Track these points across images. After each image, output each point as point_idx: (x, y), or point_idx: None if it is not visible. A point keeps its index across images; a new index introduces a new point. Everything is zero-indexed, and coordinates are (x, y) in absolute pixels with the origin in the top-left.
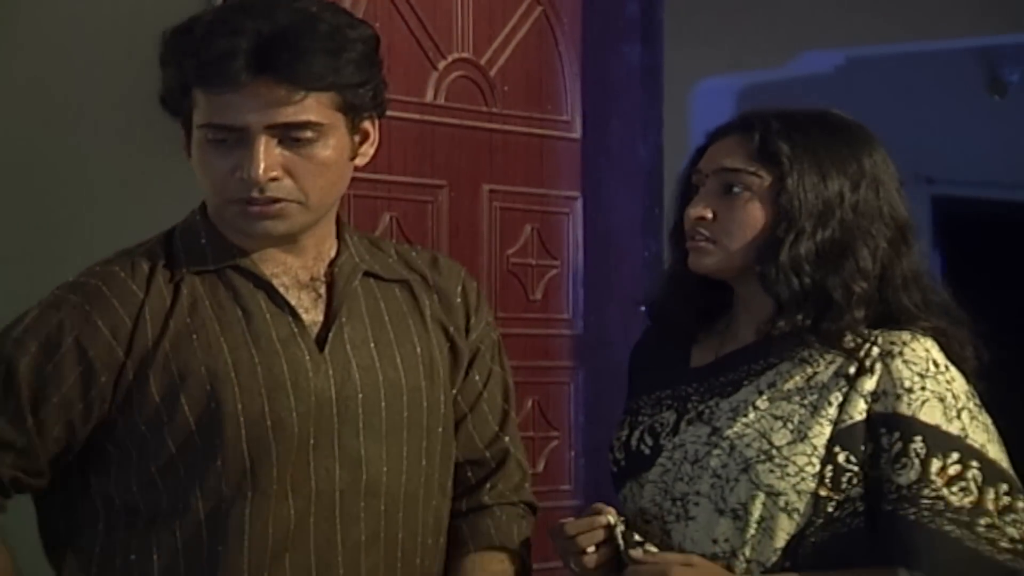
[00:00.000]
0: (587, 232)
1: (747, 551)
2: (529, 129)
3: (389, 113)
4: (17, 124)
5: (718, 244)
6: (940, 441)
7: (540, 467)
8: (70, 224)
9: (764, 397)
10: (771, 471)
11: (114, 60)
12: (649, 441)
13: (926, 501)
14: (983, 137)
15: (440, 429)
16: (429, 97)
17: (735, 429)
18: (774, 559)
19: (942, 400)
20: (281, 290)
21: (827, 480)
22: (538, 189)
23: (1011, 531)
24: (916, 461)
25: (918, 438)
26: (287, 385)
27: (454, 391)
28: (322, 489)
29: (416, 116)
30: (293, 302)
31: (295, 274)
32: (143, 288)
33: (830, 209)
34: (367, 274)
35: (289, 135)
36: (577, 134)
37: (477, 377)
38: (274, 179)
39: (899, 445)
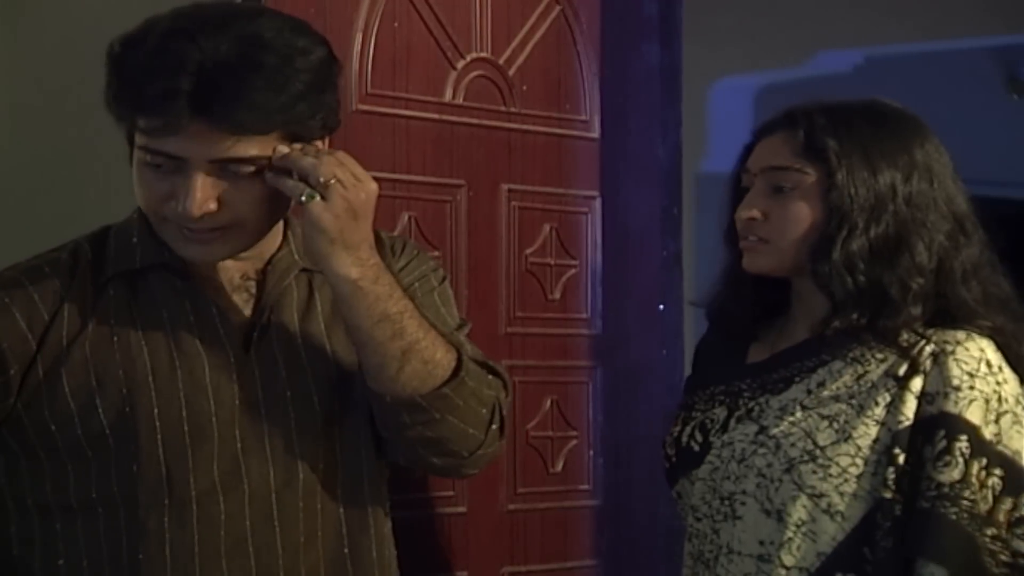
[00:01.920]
0: (606, 231)
1: (784, 555)
2: (548, 129)
3: (408, 113)
4: (28, 123)
5: (770, 244)
6: (979, 444)
7: (559, 467)
8: (71, 224)
9: (812, 396)
10: (814, 472)
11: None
12: (699, 438)
13: (966, 502)
14: (1001, 136)
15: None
16: (448, 97)
17: (781, 428)
18: (817, 564)
19: (987, 402)
20: (210, 292)
21: (891, 483)
22: (557, 188)
23: (1017, 544)
24: (960, 460)
25: (963, 437)
26: (208, 389)
27: None
28: (256, 492)
29: (435, 116)
30: (222, 303)
31: (228, 274)
32: (66, 285)
33: (882, 203)
34: (304, 269)
35: (228, 168)
36: (596, 134)
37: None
38: (210, 212)
39: (944, 443)
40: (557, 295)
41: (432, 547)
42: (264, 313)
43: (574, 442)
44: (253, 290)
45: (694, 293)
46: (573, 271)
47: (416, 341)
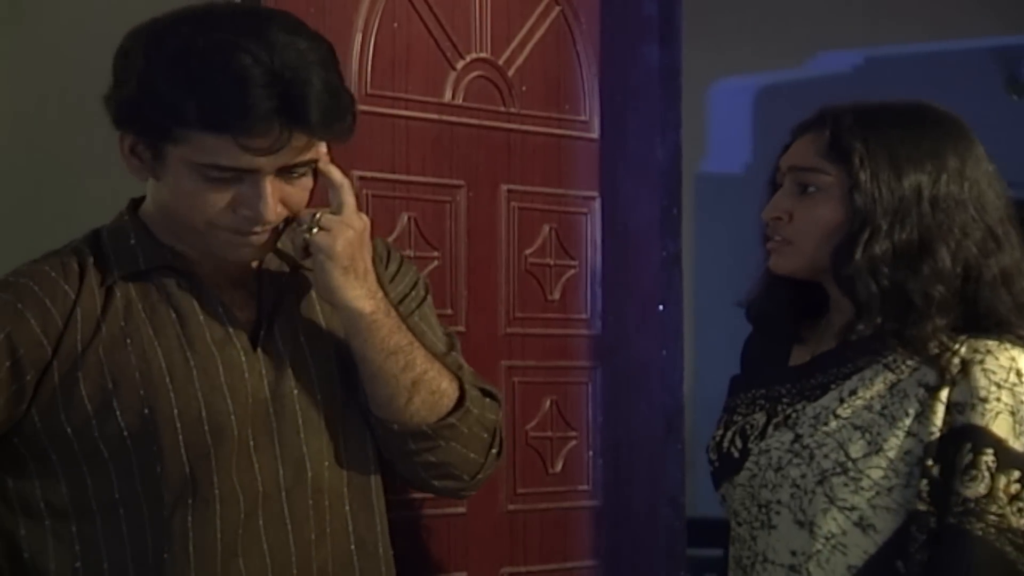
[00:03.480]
0: (605, 232)
1: (813, 567)
2: (547, 129)
3: (407, 113)
4: (24, 125)
5: (794, 245)
6: (1006, 457)
7: (558, 467)
8: (76, 225)
9: (846, 405)
10: (845, 484)
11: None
12: (739, 443)
13: (993, 518)
14: (1001, 137)
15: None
16: (447, 97)
17: (816, 438)
18: None
19: (1014, 414)
20: (215, 290)
21: (925, 495)
22: (556, 189)
23: None
24: (987, 475)
25: (989, 451)
26: (223, 387)
27: None
28: (268, 491)
29: (434, 116)
30: (227, 301)
31: (228, 272)
32: (75, 289)
33: (906, 206)
34: (297, 267)
35: (292, 171)
36: (595, 134)
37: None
38: (279, 214)
39: (970, 456)
40: (557, 295)
41: (431, 547)
42: (267, 310)
43: (574, 442)
44: (253, 288)
45: (694, 294)
46: (573, 271)
47: (424, 372)
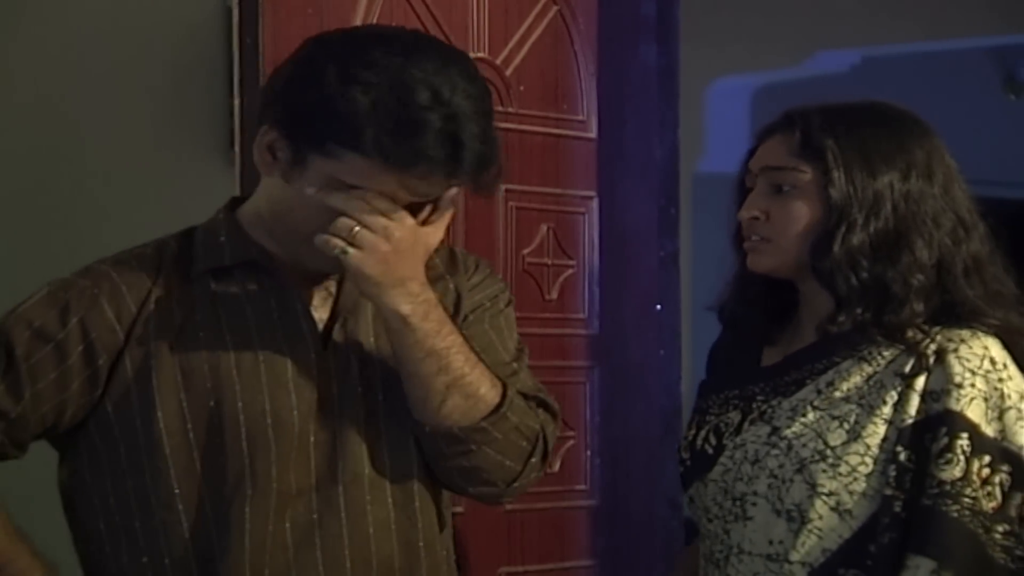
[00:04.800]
0: (603, 232)
1: (795, 553)
2: (545, 129)
3: None
4: (32, 126)
5: (772, 243)
6: (980, 442)
7: (556, 467)
8: (84, 226)
9: (823, 396)
10: (824, 471)
11: (128, 63)
12: (713, 441)
13: (967, 500)
14: (999, 136)
15: None
16: None
17: (793, 429)
18: (822, 560)
19: (986, 400)
20: (294, 288)
21: (892, 480)
22: (554, 189)
23: None
24: (961, 458)
25: (964, 435)
26: (290, 383)
27: None
28: (324, 485)
29: None
30: (306, 300)
31: (310, 275)
32: (152, 279)
33: (880, 200)
34: None
35: (416, 206)
36: (593, 134)
37: (474, 333)
38: None
39: (945, 440)
40: (554, 295)
41: None
42: (343, 312)
43: (571, 442)
44: (333, 289)
45: (692, 293)
46: (570, 271)
47: (461, 376)
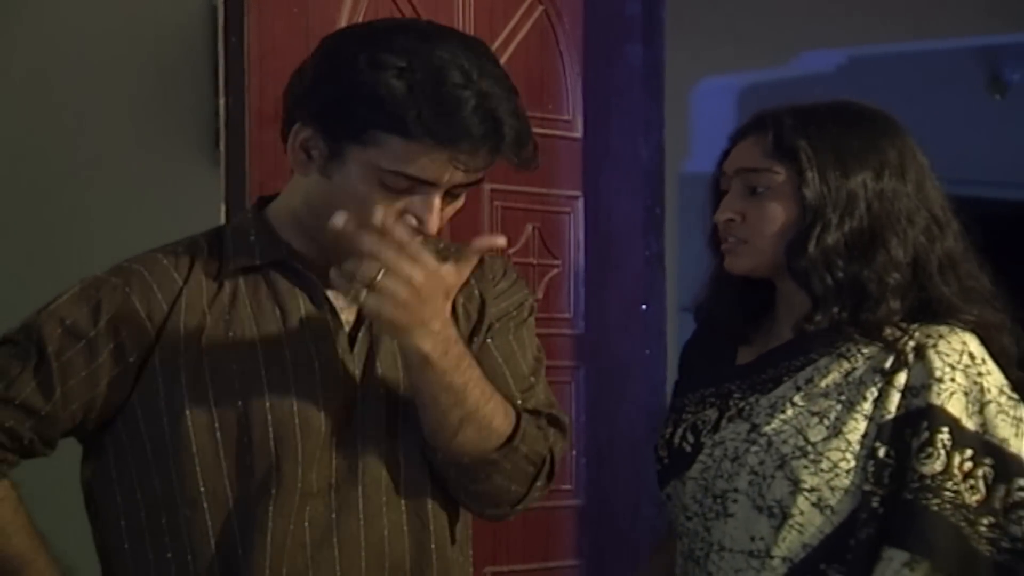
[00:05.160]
0: (588, 231)
1: (777, 549)
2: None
3: None
4: (16, 126)
5: (749, 244)
6: (960, 436)
7: None
8: (70, 226)
9: (801, 393)
10: (805, 467)
11: (112, 62)
12: (691, 439)
13: (948, 493)
14: (984, 136)
15: None
16: None
17: (773, 425)
18: (803, 555)
19: (967, 394)
20: (323, 289)
21: (870, 475)
22: (539, 188)
23: (1015, 529)
24: (942, 452)
25: (945, 429)
26: (317, 384)
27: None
28: (344, 486)
29: None
30: (332, 300)
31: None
32: (183, 277)
33: (854, 199)
34: None
35: (454, 190)
36: (578, 133)
37: (489, 340)
38: None
39: (926, 434)
40: (540, 295)
41: None
42: (367, 322)
43: None
44: None
45: (677, 293)
46: (556, 271)
47: (476, 410)
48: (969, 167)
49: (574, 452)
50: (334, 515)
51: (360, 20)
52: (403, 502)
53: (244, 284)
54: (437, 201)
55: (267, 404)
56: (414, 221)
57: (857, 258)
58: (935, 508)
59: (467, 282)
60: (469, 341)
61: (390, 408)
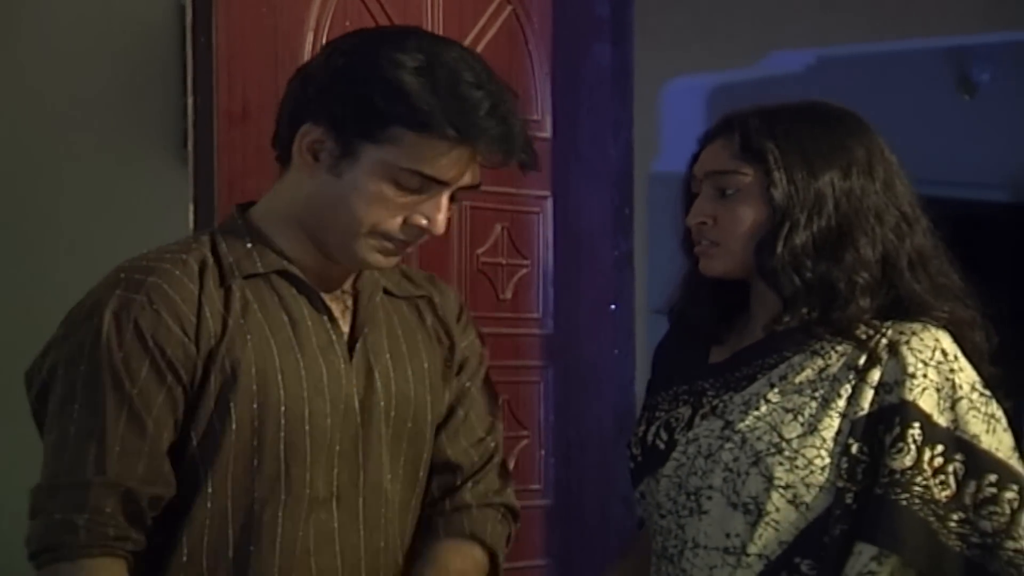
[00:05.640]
0: (557, 231)
1: (753, 546)
2: None
3: None
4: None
5: (721, 247)
6: (932, 431)
7: (510, 466)
8: (38, 225)
9: (776, 390)
10: (780, 464)
11: (81, 61)
12: (664, 436)
13: (917, 488)
14: (953, 137)
15: (431, 439)
16: None
17: (747, 422)
18: (779, 552)
19: (938, 391)
20: (321, 298)
21: (844, 472)
22: (508, 188)
23: (985, 524)
24: (912, 447)
25: (916, 424)
26: (325, 391)
27: (446, 399)
28: (345, 495)
29: None
30: (332, 311)
31: (330, 284)
32: (197, 287)
33: (821, 199)
34: (384, 291)
35: (456, 192)
36: (547, 133)
37: (468, 384)
38: None
39: (898, 430)
40: (508, 295)
41: None
42: (364, 325)
43: (525, 441)
44: (349, 302)
45: (647, 293)
46: (524, 271)
47: None
48: (938, 167)
49: (542, 452)
50: (336, 523)
51: (329, 20)
52: (398, 515)
53: (250, 291)
54: (445, 201)
55: (282, 409)
56: (424, 221)
57: (826, 257)
58: (904, 503)
59: (428, 301)
60: (445, 366)
61: (387, 420)
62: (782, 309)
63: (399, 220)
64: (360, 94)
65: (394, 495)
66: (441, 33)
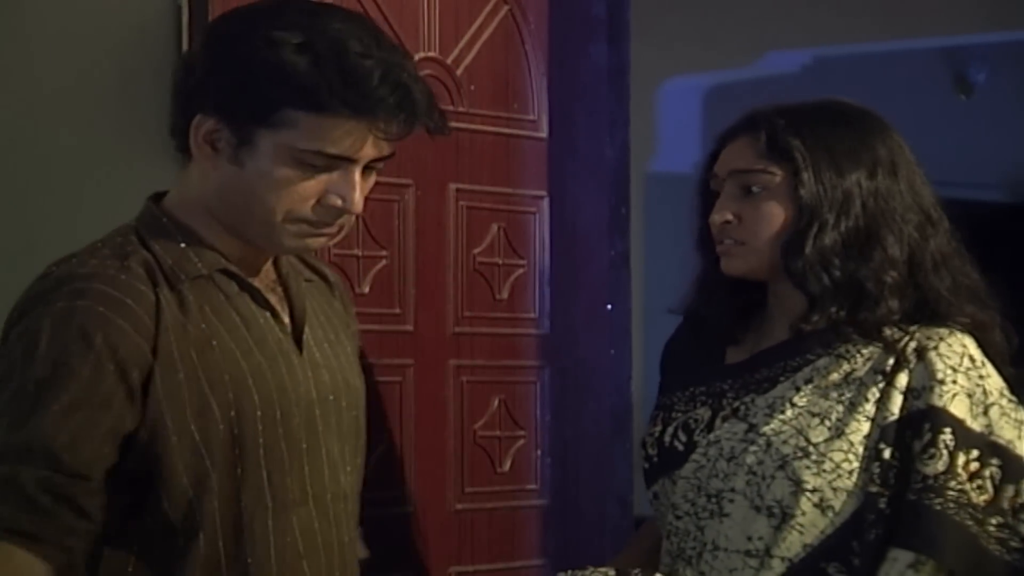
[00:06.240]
0: (554, 231)
1: (777, 549)
2: (496, 128)
3: None
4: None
5: (746, 246)
6: (964, 436)
7: (506, 466)
8: (28, 225)
9: (801, 393)
10: (807, 467)
11: (75, 62)
12: (683, 437)
13: (952, 493)
14: (949, 137)
15: (365, 425)
16: None
17: (772, 426)
18: (803, 555)
19: (970, 396)
20: (260, 290)
21: (876, 477)
22: (505, 188)
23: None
24: (944, 452)
25: (947, 430)
26: (289, 391)
27: None
28: (318, 493)
29: None
30: (272, 303)
31: (267, 278)
32: (151, 290)
33: (849, 198)
34: (309, 279)
35: (373, 166)
36: (544, 133)
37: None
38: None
39: (929, 435)
40: (505, 295)
41: (379, 547)
42: (301, 315)
43: (521, 441)
44: (282, 293)
45: (643, 293)
46: (521, 271)
47: None
48: (934, 167)
49: (539, 452)
50: (316, 524)
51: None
52: (352, 509)
53: (199, 292)
54: (357, 177)
55: (257, 414)
56: (339, 201)
57: (854, 257)
58: (938, 507)
59: (329, 284)
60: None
61: (338, 412)
62: (808, 309)
63: (312, 203)
64: (242, 80)
65: (348, 487)
66: (438, 33)
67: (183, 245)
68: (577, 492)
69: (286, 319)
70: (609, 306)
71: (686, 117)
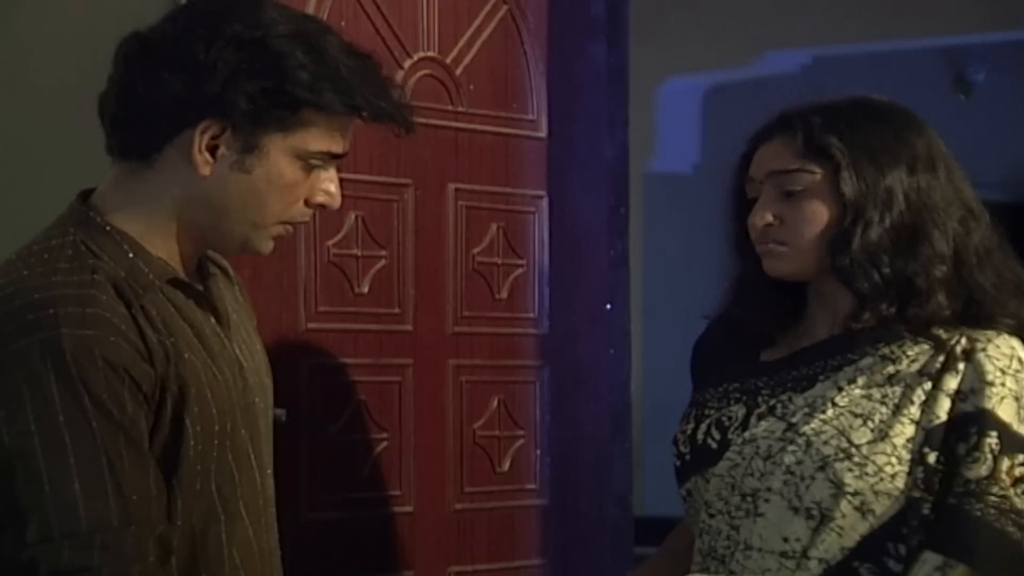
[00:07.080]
0: (553, 231)
1: (815, 550)
2: (495, 128)
3: None
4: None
5: (790, 246)
6: (1010, 441)
7: (506, 466)
8: (25, 225)
9: (843, 393)
10: (849, 470)
11: (71, 58)
12: (716, 435)
13: (993, 499)
14: (948, 137)
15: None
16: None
17: (812, 426)
18: (840, 557)
19: (1017, 400)
20: (208, 298)
21: (920, 482)
22: (504, 188)
23: None
24: (989, 457)
25: (993, 434)
26: (236, 400)
27: None
28: (251, 502)
29: None
30: (220, 311)
31: (192, 278)
32: (125, 305)
33: (891, 195)
34: (214, 274)
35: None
36: (543, 133)
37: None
38: None
39: (975, 439)
40: (504, 295)
41: (378, 547)
42: (226, 317)
43: (521, 441)
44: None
45: (642, 293)
46: (520, 271)
47: None
48: None
49: (538, 451)
50: (251, 532)
51: (325, 18)
52: (274, 510)
53: (153, 304)
54: (335, 173)
55: (215, 428)
56: (325, 198)
57: (902, 253)
58: (978, 513)
59: (227, 272)
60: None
61: (263, 415)
62: (857, 307)
63: (302, 203)
64: (266, 86)
65: (271, 491)
66: (437, 33)
67: (131, 256)
68: (576, 492)
69: (216, 325)
70: (608, 306)
71: (685, 117)
